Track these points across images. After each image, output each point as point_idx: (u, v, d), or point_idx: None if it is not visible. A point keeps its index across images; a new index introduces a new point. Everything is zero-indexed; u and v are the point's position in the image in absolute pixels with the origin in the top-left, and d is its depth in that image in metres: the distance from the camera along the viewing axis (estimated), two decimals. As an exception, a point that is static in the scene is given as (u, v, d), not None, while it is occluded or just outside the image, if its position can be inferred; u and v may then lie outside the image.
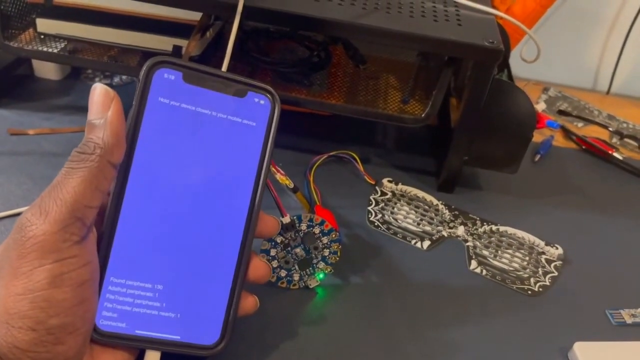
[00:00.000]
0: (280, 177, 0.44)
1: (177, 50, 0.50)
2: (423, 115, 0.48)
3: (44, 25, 0.50)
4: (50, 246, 0.26)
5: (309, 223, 0.40)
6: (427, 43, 0.44)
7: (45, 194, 0.27)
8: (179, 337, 0.30)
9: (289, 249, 0.40)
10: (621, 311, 0.43)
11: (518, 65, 0.61)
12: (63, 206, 0.26)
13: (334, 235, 0.40)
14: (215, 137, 0.32)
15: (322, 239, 0.40)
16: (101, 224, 0.30)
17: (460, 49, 0.44)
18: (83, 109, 0.55)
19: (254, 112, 0.32)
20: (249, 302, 0.34)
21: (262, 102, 0.33)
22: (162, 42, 0.50)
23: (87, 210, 0.27)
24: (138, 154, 0.30)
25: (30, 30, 0.52)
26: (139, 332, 0.30)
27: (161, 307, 0.30)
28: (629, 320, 0.42)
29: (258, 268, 0.34)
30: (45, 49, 0.50)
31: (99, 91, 0.29)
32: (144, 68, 0.30)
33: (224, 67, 0.44)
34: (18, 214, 0.38)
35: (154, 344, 0.30)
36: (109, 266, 0.29)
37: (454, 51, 0.44)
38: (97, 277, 0.28)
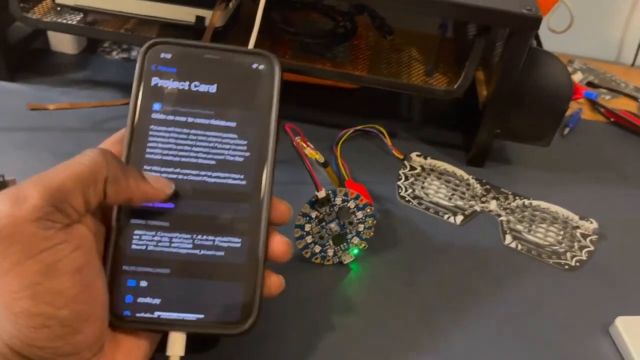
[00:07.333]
0: (310, 152, 0.43)
1: (200, 21, 0.48)
2: (455, 87, 0.47)
3: (62, -4, 0.49)
4: (34, 236, 0.23)
5: (343, 197, 0.38)
6: (463, 11, 0.42)
7: (27, 181, 0.25)
8: (202, 316, 0.29)
9: (324, 224, 0.39)
10: (660, 286, 0.42)
11: (540, 36, 0.59)
12: (44, 192, 0.24)
13: (368, 210, 0.39)
14: (217, 109, 0.31)
15: (357, 213, 0.39)
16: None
17: (497, 16, 0.42)
18: (100, 84, 0.55)
19: (255, 78, 0.32)
20: (274, 282, 0.30)
21: (261, 67, 0.32)
22: (184, 13, 0.48)
23: (68, 207, 0.25)
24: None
25: (47, 1, 0.50)
26: (159, 314, 0.28)
27: (181, 287, 0.29)
28: (668, 295, 0.41)
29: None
30: (63, 21, 0.49)
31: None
32: (140, 52, 0.31)
33: (252, 37, 0.42)
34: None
35: (178, 325, 0.28)
36: (119, 252, 0.29)
37: (490, 19, 0.43)
38: (97, 261, 0.27)
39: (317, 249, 0.39)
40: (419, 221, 0.45)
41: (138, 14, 0.48)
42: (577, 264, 0.43)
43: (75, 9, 0.49)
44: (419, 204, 0.46)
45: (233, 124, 0.31)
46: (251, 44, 0.41)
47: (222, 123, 0.31)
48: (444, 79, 0.50)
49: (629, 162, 0.56)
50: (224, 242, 0.30)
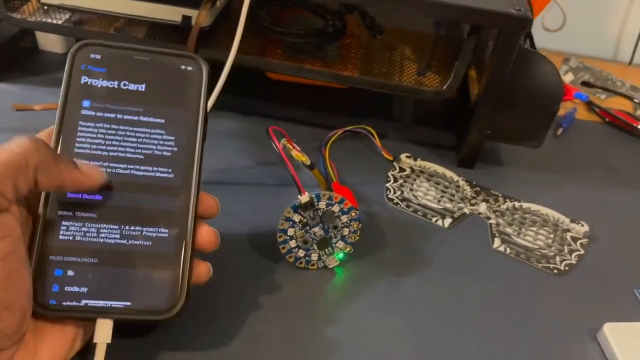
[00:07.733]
0: (296, 154, 0.43)
1: (186, 20, 0.47)
2: (445, 88, 0.46)
3: (47, -5, 0.48)
4: None
5: (327, 201, 0.38)
6: (451, 10, 0.42)
7: None
8: (130, 304, 0.29)
9: (308, 228, 0.38)
10: (651, 290, 0.41)
11: (536, 34, 0.58)
12: None
13: (353, 214, 0.39)
14: (145, 107, 0.32)
15: (342, 217, 0.39)
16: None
17: (486, 17, 0.41)
18: (89, 83, 0.54)
19: (183, 79, 0.33)
20: (202, 270, 0.32)
21: (189, 68, 0.33)
22: (171, 12, 0.48)
23: None
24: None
25: (33, 1, 0.50)
26: (86, 302, 0.29)
27: (109, 275, 0.29)
28: (658, 300, 0.41)
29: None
30: (49, 21, 0.48)
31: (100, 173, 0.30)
32: (70, 52, 0.32)
33: (236, 37, 0.42)
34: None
35: (105, 313, 0.29)
36: (46, 242, 0.29)
37: (479, 19, 0.42)
38: (23, 251, 0.27)
39: (301, 253, 0.39)
40: (407, 224, 0.44)
41: (123, 14, 0.48)
42: (566, 268, 0.43)
43: (61, 9, 0.49)
44: (407, 206, 0.46)
45: (161, 121, 0.32)
46: (235, 44, 0.40)
47: (151, 120, 0.32)
48: (437, 79, 0.49)
49: (624, 163, 0.56)
50: (152, 232, 0.31)
